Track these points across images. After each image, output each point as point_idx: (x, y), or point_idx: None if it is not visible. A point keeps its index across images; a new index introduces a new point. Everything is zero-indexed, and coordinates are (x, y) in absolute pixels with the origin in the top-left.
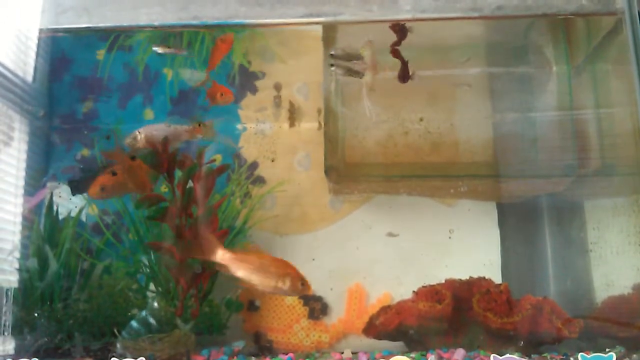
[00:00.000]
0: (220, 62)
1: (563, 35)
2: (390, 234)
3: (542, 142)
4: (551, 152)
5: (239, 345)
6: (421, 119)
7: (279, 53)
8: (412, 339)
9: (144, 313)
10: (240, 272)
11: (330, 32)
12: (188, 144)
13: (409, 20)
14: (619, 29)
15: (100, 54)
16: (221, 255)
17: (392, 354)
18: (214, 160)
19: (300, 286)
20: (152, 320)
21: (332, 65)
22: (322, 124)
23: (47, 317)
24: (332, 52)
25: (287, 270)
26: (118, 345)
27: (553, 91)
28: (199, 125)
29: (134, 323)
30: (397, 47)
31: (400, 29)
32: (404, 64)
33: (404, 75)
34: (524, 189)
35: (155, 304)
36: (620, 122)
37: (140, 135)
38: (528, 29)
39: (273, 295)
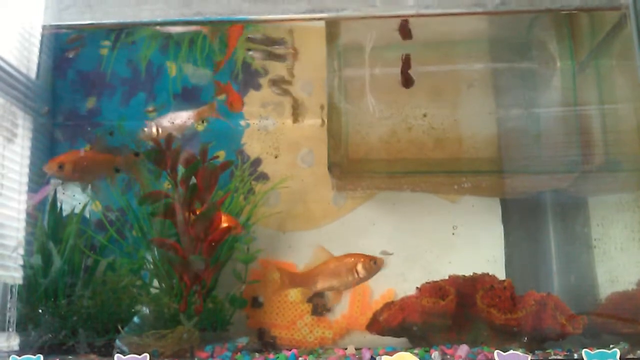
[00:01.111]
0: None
1: (567, 31)
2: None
3: (546, 138)
4: (555, 148)
5: (242, 341)
6: (425, 115)
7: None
8: (416, 335)
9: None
10: (319, 286)
11: (333, 27)
12: (191, 141)
13: (412, 16)
14: (623, 24)
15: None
16: (297, 282)
17: (396, 350)
18: (217, 157)
19: (373, 265)
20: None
21: (249, 49)
22: (325, 120)
23: (51, 314)
24: (249, 36)
25: (354, 260)
26: (117, 342)
27: (557, 87)
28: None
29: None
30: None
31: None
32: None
33: (407, 81)
34: (527, 185)
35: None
36: (625, 118)
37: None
38: (532, 24)
39: (276, 292)
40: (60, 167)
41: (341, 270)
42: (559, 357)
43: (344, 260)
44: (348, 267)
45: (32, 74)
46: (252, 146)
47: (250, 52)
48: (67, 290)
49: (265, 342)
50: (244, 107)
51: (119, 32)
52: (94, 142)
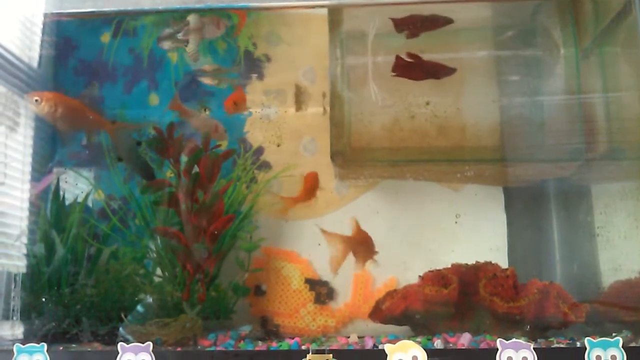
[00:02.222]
0: (227, 46)
1: (571, 18)
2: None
3: (550, 126)
4: (558, 136)
5: (245, 329)
6: (427, 103)
7: (285, 37)
8: (418, 324)
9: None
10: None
11: (335, 15)
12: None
13: (416, 3)
14: (627, 11)
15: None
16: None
17: (398, 339)
18: (220, 146)
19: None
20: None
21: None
22: (327, 108)
23: (54, 302)
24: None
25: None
26: (120, 330)
27: (560, 74)
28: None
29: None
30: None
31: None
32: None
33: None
34: (531, 173)
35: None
36: (629, 105)
37: None
38: (535, 11)
39: (280, 281)
40: (37, 100)
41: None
42: (561, 346)
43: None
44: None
45: (34, 63)
46: (255, 135)
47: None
48: (71, 279)
49: (268, 330)
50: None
51: (121, 20)
52: (82, 94)
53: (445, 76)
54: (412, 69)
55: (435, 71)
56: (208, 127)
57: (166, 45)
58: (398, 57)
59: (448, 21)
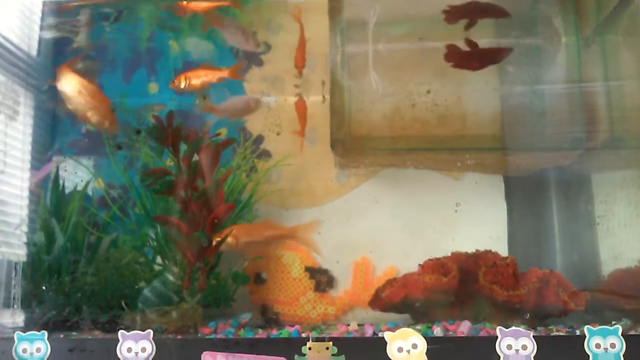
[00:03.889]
0: None
1: (572, 6)
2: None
3: (550, 115)
4: (559, 125)
5: (245, 317)
6: (428, 92)
7: (285, 25)
8: (418, 312)
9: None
10: None
11: (336, 2)
12: (194, 118)
13: None
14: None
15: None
16: None
17: (398, 326)
18: (219, 134)
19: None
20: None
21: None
22: (325, 96)
23: (55, 291)
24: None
25: None
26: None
27: (562, 63)
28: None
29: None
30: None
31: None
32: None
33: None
34: (531, 162)
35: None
36: (630, 94)
37: None
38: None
39: (280, 269)
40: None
41: None
42: (561, 334)
43: None
44: None
45: (33, 52)
46: (254, 123)
47: None
48: (71, 267)
49: (269, 318)
50: (245, 83)
51: (120, 8)
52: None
53: (504, 58)
54: (469, 57)
55: (493, 56)
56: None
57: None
58: (451, 46)
59: (506, 13)
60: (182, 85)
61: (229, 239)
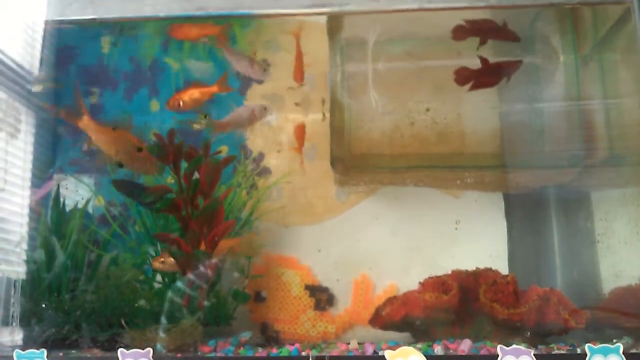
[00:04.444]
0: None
1: (570, 25)
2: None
3: (549, 133)
4: (558, 143)
5: (245, 336)
6: (427, 110)
7: (284, 44)
8: (419, 330)
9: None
10: None
11: (335, 22)
12: (194, 136)
13: (415, 10)
14: (626, 18)
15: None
16: None
17: (399, 345)
18: (220, 152)
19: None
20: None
21: None
22: (325, 114)
23: (54, 308)
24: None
25: None
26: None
27: (560, 81)
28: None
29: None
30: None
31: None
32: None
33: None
34: (531, 179)
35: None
36: (628, 112)
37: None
38: (535, 18)
39: (280, 287)
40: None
41: None
42: (562, 352)
43: None
44: None
45: (35, 70)
46: (255, 141)
47: None
48: (71, 285)
49: (269, 336)
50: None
51: (122, 28)
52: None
53: (515, 71)
54: (483, 75)
55: (505, 70)
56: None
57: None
58: (460, 70)
59: (516, 37)
60: (178, 106)
61: (171, 261)
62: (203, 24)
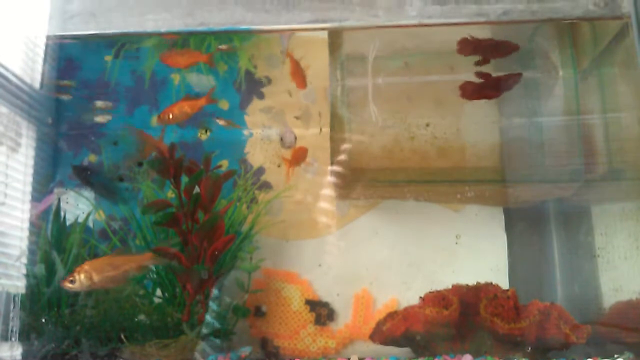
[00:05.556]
0: (227, 68)
1: (569, 40)
2: None
3: (549, 147)
4: (558, 157)
5: (245, 350)
6: (427, 124)
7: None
8: (419, 345)
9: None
10: None
11: (336, 37)
12: (194, 150)
13: (415, 26)
14: (625, 33)
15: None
16: None
17: None
18: (221, 166)
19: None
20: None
21: None
22: (322, 128)
23: (54, 323)
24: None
25: None
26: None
27: (560, 96)
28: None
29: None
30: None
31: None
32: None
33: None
34: (531, 194)
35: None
36: (628, 126)
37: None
38: (534, 33)
39: (280, 302)
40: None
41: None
42: None
43: None
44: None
45: (36, 84)
46: (255, 155)
47: None
48: (70, 299)
49: (268, 351)
50: (246, 116)
51: (123, 42)
52: None
53: (517, 83)
54: (485, 88)
55: (506, 83)
56: None
57: None
58: (465, 84)
59: (515, 48)
60: (169, 119)
61: (82, 279)
62: (191, 52)
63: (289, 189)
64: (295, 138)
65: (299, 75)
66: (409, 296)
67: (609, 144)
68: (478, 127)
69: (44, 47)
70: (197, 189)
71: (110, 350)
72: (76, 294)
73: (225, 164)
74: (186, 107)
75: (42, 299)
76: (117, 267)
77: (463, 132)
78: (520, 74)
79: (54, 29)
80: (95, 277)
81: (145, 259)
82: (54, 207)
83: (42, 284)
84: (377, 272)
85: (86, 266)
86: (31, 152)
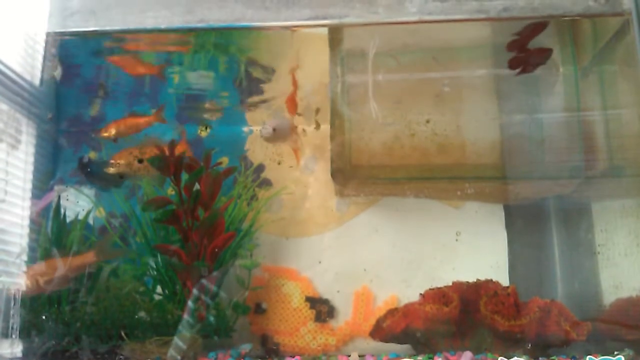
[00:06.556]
0: (227, 65)
1: (570, 37)
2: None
3: (550, 144)
4: (558, 154)
5: (245, 348)
6: (428, 121)
7: (286, 53)
8: (419, 342)
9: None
10: None
11: (335, 34)
12: (196, 147)
13: (415, 23)
14: (626, 30)
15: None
16: None
17: (399, 357)
18: (221, 163)
19: None
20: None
21: None
22: (320, 124)
23: (54, 320)
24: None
25: None
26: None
27: (560, 93)
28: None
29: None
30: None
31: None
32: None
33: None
34: (531, 190)
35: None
36: (628, 123)
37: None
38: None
39: (280, 299)
40: None
41: None
42: None
43: None
44: None
45: (36, 81)
46: (255, 152)
47: None
48: (71, 296)
49: (269, 348)
50: (247, 112)
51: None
52: None
53: (547, 59)
54: (527, 62)
55: (541, 58)
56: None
57: None
58: (513, 58)
59: (550, 52)
60: (109, 135)
61: (28, 282)
62: (143, 62)
63: (289, 186)
64: (274, 129)
65: (293, 102)
66: (409, 293)
67: (610, 141)
68: (478, 124)
69: (43, 45)
70: (197, 186)
71: (110, 348)
72: (77, 291)
73: (225, 161)
74: (132, 123)
75: (42, 296)
76: (60, 268)
77: (463, 128)
78: (551, 50)
79: (53, 26)
80: (41, 281)
81: (87, 258)
82: (54, 205)
83: None
84: (377, 269)
85: (30, 271)
86: (31, 149)
